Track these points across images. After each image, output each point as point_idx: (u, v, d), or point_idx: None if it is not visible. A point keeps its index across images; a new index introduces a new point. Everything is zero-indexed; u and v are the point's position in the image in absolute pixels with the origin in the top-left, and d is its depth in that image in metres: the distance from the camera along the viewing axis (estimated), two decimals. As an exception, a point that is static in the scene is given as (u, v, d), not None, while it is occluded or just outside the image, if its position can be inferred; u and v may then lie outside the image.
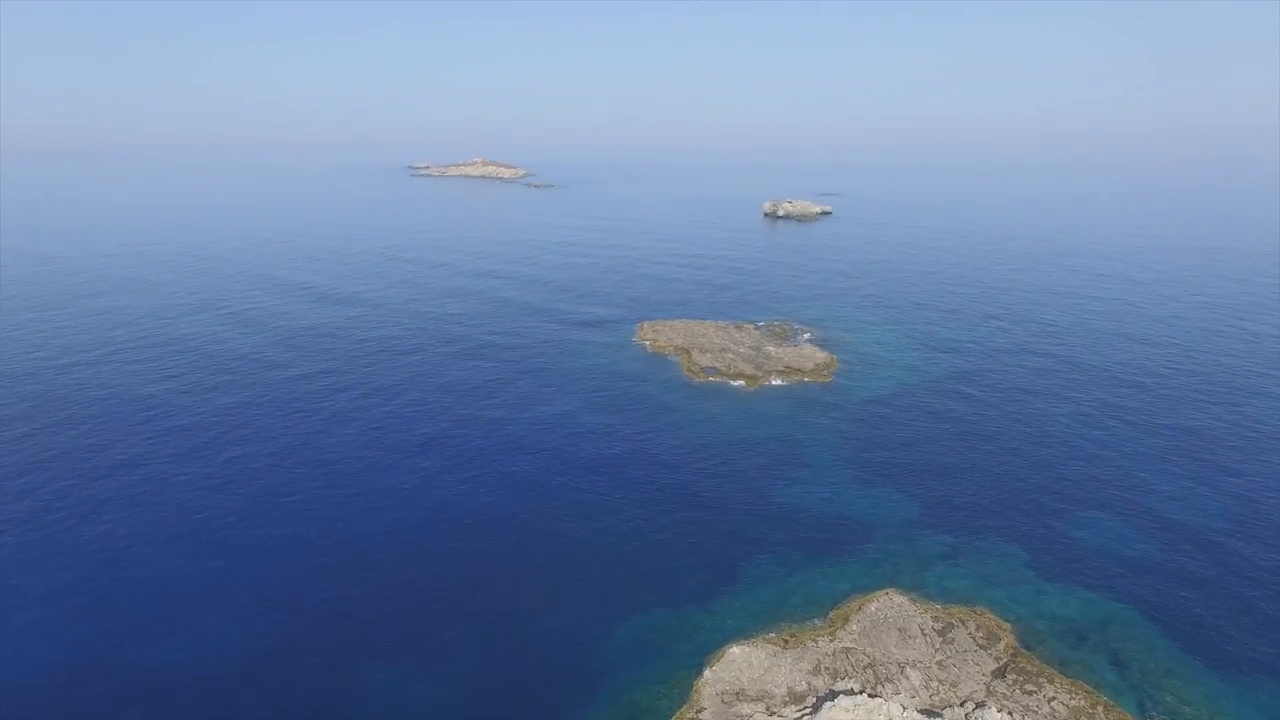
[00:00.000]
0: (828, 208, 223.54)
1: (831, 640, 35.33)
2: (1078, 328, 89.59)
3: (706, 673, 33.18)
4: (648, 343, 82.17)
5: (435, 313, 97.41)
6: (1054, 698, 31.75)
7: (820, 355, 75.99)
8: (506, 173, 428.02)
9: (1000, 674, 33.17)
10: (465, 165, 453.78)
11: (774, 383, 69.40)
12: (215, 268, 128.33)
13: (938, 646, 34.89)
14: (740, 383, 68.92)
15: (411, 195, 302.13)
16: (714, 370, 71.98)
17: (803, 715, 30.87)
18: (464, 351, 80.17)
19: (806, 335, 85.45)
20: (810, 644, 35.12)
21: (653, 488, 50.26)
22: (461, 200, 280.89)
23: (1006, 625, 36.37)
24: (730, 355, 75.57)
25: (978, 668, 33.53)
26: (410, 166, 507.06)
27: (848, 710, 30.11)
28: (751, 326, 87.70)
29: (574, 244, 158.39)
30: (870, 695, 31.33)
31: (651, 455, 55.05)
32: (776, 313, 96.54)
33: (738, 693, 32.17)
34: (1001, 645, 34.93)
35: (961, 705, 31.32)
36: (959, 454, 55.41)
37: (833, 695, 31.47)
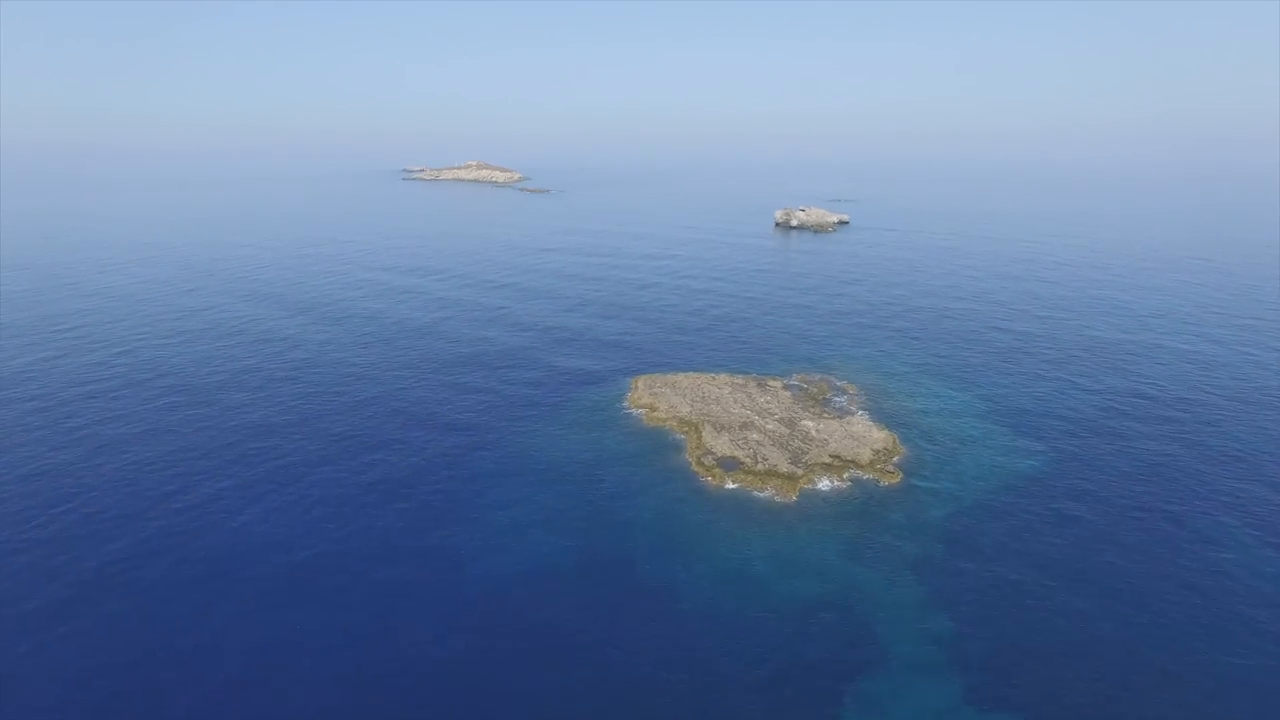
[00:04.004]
0: (845, 216, 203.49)
1: None
2: (1179, 390, 69.65)
3: None
4: (643, 411, 62.33)
5: (344, 363, 77.50)
6: None
7: (877, 435, 56.04)
8: (501, 176, 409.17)
9: None
10: (459, 169, 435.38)
11: (820, 486, 49.38)
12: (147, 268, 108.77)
13: None
14: (771, 491, 48.77)
15: (397, 200, 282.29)
16: (734, 464, 51.96)
17: None
18: (370, 423, 60.17)
19: (849, 397, 65.64)
20: None
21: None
22: (447, 207, 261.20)
23: None
24: (755, 436, 55.65)
25: None
26: (404, 170, 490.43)
27: None
28: (779, 385, 67.74)
29: (560, 261, 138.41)
30: None
31: (636, 639, 35.18)
32: (806, 360, 76.67)
33: None
34: None
35: None
36: (1112, 637, 35.52)
37: None
